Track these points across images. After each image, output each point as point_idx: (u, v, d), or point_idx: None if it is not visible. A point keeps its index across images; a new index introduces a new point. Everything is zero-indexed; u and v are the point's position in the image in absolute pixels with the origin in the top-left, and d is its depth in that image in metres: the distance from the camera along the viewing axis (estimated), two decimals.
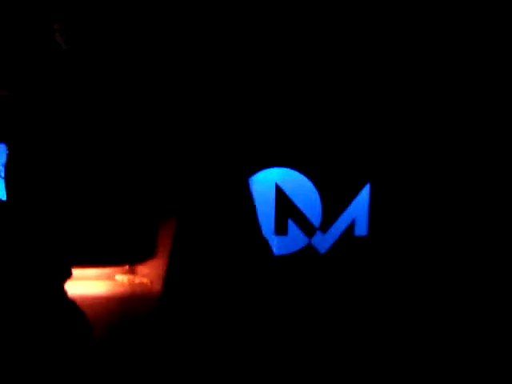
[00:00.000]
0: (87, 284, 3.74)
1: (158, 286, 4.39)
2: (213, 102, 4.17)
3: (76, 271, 3.24)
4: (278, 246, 4.52)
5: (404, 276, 4.25)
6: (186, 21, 4.22)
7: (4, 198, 3.57)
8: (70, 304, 2.91)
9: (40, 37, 4.06)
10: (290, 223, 4.49)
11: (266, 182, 4.44)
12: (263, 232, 4.38)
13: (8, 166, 3.48)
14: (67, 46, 3.70)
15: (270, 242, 4.47)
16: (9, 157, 3.53)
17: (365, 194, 4.43)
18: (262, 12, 4.30)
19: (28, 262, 2.77)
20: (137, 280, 4.60)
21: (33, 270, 2.79)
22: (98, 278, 3.94)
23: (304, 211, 4.48)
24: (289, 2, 4.26)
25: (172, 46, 4.18)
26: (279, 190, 4.46)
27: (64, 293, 2.96)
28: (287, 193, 4.47)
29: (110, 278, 4.26)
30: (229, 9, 4.23)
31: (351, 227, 4.45)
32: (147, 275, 4.52)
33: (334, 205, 4.44)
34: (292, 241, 4.49)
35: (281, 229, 4.50)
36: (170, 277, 3.58)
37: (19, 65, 4.15)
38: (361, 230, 4.45)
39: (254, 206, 3.63)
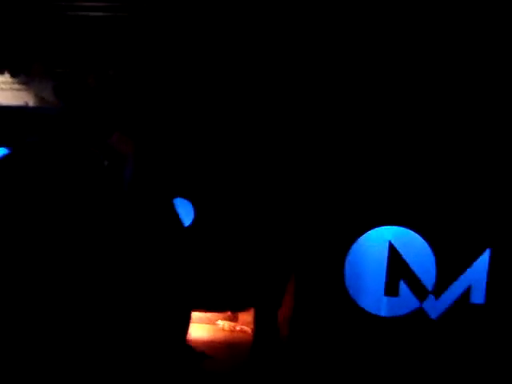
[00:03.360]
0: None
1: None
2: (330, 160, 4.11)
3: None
4: (388, 307, 4.33)
5: None
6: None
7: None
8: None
9: None
10: (402, 284, 4.29)
11: (378, 240, 4.29)
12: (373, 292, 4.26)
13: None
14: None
15: (380, 302, 4.32)
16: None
17: (484, 259, 4.17)
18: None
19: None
20: (238, 327, 4.53)
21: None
22: (200, 321, 3.90)
23: (417, 273, 4.27)
24: None
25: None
26: (392, 249, 4.29)
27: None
28: (401, 252, 4.29)
29: (212, 322, 4.23)
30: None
31: (467, 293, 4.19)
32: (249, 324, 4.46)
33: (449, 268, 4.21)
34: (403, 303, 4.28)
35: (392, 290, 4.31)
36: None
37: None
38: (477, 297, 4.18)
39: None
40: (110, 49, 4.38)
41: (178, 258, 3.40)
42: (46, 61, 4.20)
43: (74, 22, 4.31)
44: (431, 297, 4.24)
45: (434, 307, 4.22)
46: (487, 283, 4.17)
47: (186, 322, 3.17)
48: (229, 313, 4.40)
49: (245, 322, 4.48)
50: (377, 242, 4.28)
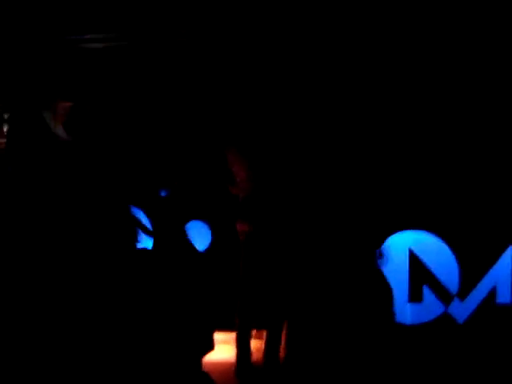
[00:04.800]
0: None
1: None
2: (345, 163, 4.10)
3: None
4: (412, 314, 4.28)
5: None
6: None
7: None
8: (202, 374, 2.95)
9: None
10: (425, 290, 4.25)
11: (398, 247, 4.25)
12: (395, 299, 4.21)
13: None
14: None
15: (404, 310, 4.28)
16: None
17: (507, 257, 4.12)
18: None
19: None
20: (263, 345, 4.48)
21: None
22: (224, 342, 3.87)
23: (440, 277, 4.23)
24: None
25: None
26: (413, 255, 4.25)
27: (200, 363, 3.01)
28: (421, 257, 4.25)
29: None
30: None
31: (492, 294, 4.15)
32: None
33: (472, 270, 4.17)
34: (427, 309, 4.24)
35: (415, 296, 4.27)
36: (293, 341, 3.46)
37: None
38: (503, 297, 4.13)
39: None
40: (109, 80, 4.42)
41: (198, 281, 3.39)
42: (54, 97, 4.23)
43: (77, 56, 4.35)
44: (456, 300, 4.19)
45: (460, 311, 4.17)
46: None
47: (208, 344, 3.15)
48: (254, 331, 4.36)
49: None
50: (397, 249, 4.25)
